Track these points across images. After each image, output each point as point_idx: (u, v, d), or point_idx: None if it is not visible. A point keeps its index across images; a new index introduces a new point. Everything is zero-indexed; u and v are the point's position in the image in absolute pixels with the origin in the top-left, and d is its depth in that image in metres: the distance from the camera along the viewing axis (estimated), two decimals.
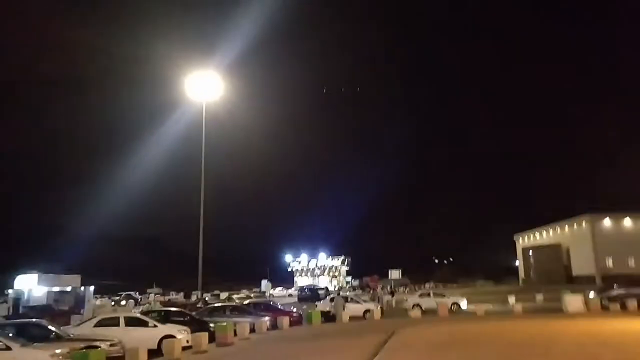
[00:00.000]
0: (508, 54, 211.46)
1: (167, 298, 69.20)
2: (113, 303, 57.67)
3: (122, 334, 18.83)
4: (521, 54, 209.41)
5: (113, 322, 20.21)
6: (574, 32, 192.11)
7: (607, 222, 73.53)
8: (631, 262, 69.21)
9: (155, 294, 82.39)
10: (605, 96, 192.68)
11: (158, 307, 38.92)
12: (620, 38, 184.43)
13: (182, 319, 23.00)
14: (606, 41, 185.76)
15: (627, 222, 73.27)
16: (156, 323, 20.42)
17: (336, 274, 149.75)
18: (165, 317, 22.67)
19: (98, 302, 49.20)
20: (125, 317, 20.64)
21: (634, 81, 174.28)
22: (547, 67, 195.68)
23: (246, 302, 36.23)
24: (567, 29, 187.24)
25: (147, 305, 53.38)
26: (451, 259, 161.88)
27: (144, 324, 20.29)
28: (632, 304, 29.82)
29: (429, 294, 39.71)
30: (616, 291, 34.37)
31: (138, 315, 22.45)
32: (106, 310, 39.72)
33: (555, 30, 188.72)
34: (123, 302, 60.48)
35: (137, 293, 77.98)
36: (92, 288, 42.29)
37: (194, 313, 26.19)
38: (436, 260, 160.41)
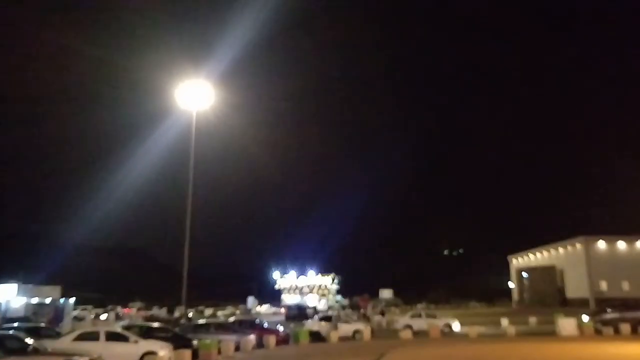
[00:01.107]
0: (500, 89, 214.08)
1: (149, 313, 68.43)
2: (93, 316, 56.92)
3: (102, 349, 18.57)
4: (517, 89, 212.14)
5: (93, 336, 19.96)
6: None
7: (601, 244, 74.06)
8: (625, 286, 69.63)
9: (138, 308, 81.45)
10: (603, 117, 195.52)
11: (140, 321, 38.44)
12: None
13: (164, 335, 22.75)
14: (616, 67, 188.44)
15: (621, 245, 73.85)
16: (137, 338, 20.20)
17: (325, 292, 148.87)
18: (147, 333, 22.42)
19: (78, 314, 48.51)
20: (105, 332, 20.40)
21: (631, 100, 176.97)
22: (536, 91, 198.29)
23: (231, 319, 35.93)
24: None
25: (129, 319, 52.73)
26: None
27: (124, 339, 20.06)
28: (625, 328, 29.94)
29: (420, 315, 39.59)
30: (610, 315, 34.50)
31: (119, 330, 22.19)
32: (86, 324, 39.19)
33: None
34: (104, 316, 59.70)
35: (119, 307, 77.03)
36: (72, 300, 41.77)
37: (177, 329, 25.93)
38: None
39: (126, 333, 20.83)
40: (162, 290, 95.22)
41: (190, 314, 49.12)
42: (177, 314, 56.25)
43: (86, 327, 28.47)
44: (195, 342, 21.85)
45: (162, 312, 71.80)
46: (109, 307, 74.65)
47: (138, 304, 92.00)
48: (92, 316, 56.78)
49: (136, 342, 19.84)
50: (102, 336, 19.83)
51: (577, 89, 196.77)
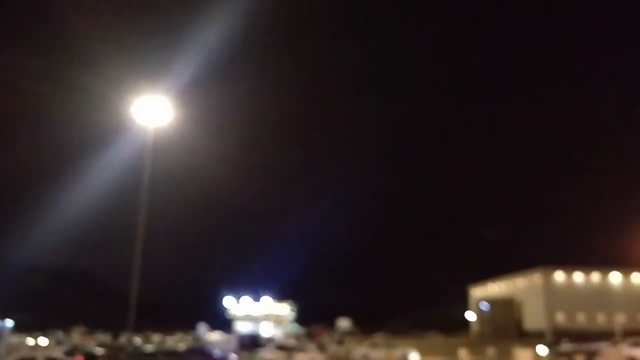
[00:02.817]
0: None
1: (92, 338, 66.21)
2: (33, 342, 54.65)
3: None
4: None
5: None
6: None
7: (559, 276, 76.40)
8: (581, 318, 71.96)
9: (81, 333, 78.64)
10: (562, 151, 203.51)
11: (82, 347, 37.24)
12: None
13: None
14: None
15: (578, 276, 76.41)
16: None
17: (281, 320, 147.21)
18: (90, 359, 21.81)
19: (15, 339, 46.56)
20: (44, 357, 19.75)
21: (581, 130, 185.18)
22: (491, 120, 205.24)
23: (181, 346, 35.24)
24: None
25: (71, 344, 50.88)
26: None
27: None
28: (579, 359, 30.93)
29: (377, 345, 39.75)
30: (565, 346, 35.64)
31: (59, 355, 21.50)
32: (24, 349, 37.62)
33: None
34: (43, 341, 57.41)
35: (60, 331, 74.22)
36: (9, 323, 40.14)
37: (122, 357, 25.31)
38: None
39: (67, 358, 20.21)
40: (108, 315, 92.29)
41: (137, 341, 47.81)
42: (122, 340, 54.64)
43: (24, 352, 27.39)
44: None
45: (106, 337, 69.62)
46: (49, 331, 71.86)
47: (81, 329, 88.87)
48: (32, 341, 54.55)
49: None
50: None
51: (532, 118, 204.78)
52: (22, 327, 63.81)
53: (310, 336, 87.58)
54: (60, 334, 72.07)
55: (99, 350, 26.33)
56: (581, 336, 38.39)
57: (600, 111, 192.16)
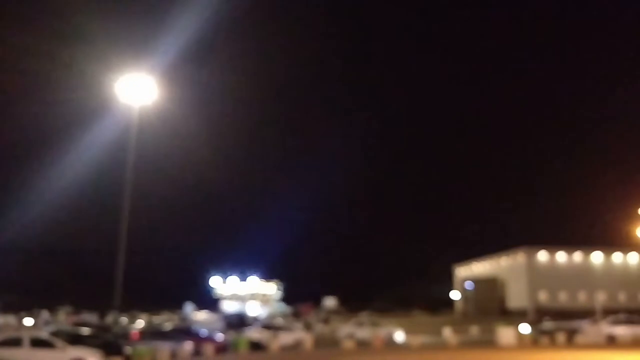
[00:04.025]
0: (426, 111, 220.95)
1: (79, 317, 66.08)
2: (19, 321, 54.52)
3: (26, 355, 17.94)
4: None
5: (16, 342, 19.17)
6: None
7: (542, 256, 77.54)
8: (562, 297, 73.32)
9: (67, 313, 78.41)
10: (547, 129, 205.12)
11: (69, 327, 37.15)
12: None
13: (94, 341, 22.11)
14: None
15: (561, 256, 77.62)
16: (65, 345, 19.55)
17: (267, 299, 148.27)
18: (75, 339, 21.74)
19: (1, 320, 46.28)
20: (29, 338, 19.62)
21: (572, 112, 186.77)
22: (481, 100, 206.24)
23: (167, 326, 35.29)
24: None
25: (57, 325, 50.78)
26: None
27: (50, 345, 19.36)
28: (561, 337, 31.55)
29: (363, 324, 40.14)
30: (547, 325, 36.38)
31: (44, 336, 21.39)
32: (9, 329, 37.48)
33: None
34: (29, 321, 57.23)
35: (46, 311, 73.98)
36: None
37: (109, 336, 25.26)
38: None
39: (52, 339, 20.13)
40: (94, 295, 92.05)
41: (124, 321, 47.78)
42: (109, 320, 54.55)
43: (9, 333, 27.28)
44: (128, 349, 21.36)
45: (93, 317, 69.54)
46: (35, 311, 71.57)
47: (67, 309, 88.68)
48: (19, 321, 54.43)
49: (63, 348, 19.21)
50: (26, 342, 19.08)
51: (522, 98, 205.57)
52: (7, 308, 63.52)
53: (296, 315, 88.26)
54: (46, 314, 71.84)
55: (85, 330, 26.23)
56: (562, 314, 39.13)
57: (580, 93, 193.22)
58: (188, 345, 25.31)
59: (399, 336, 37.45)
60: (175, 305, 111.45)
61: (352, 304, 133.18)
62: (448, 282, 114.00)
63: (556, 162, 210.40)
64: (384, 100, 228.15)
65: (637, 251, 76.09)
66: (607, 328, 32.46)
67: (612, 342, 31.13)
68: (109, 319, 56.56)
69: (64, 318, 66.59)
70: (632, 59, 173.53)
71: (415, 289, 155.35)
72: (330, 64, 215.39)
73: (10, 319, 52.43)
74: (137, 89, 35.96)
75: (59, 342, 19.62)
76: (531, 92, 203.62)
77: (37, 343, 19.36)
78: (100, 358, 19.36)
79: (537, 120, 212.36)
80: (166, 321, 55.87)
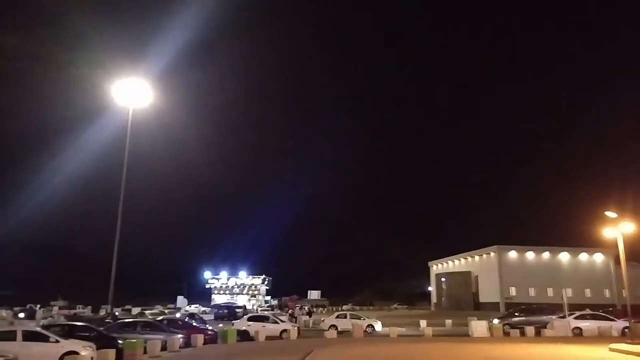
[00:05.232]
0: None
1: (72, 311, 64.90)
2: (12, 315, 53.32)
3: (19, 349, 17.39)
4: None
5: (9, 336, 18.59)
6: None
7: (512, 254, 78.21)
8: (532, 292, 73.95)
9: (60, 307, 76.97)
10: (517, 138, 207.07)
11: (62, 320, 36.44)
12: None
13: (87, 334, 21.57)
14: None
15: (530, 255, 78.35)
16: (58, 338, 19.01)
17: (255, 292, 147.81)
18: (69, 332, 21.21)
19: None
20: (23, 331, 19.05)
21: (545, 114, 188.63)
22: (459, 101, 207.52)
23: (159, 318, 34.76)
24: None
25: (50, 318, 49.81)
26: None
27: (44, 338, 18.81)
28: (530, 330, 31.71)
29: (345, 316, 40.05)
30: (517, 318, 36.57)
31: (38, 329, 20.84)
32: (3, 323, 36.63)
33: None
34: (21, 315, 56.08)
35: (38, 306, 72.44)
36: None
37: (102, 328, 24.73)
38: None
39: (45, 332, 19.59)
40: (88, 289, 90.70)
41: (117, 313, 47.01)
42: (102, 312, 53.70)
43: (2, 326, 26.62)
44: (120, 342, 20.90)
45: (86, 310, 68.37)
46: (28, 306, 70.10)
47: (61, 303, 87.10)
48: (13, 315, 53.28)
49: (57, 341, 18.69)
50: (19, 335, 18.52)
51: (493, 101, 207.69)
52: (1, 302, 62.20)
53: (282, 308, 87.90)
54: (39, 309, 70.40)
55: (79, 323, 25.66)
56: (531, 309, 39.38)
57: (555, 95, 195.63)
58: (179, 337, 24.92)
59: (379, 327, 37.45)
60: (168, 297, 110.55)
61: (335, 298, 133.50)
62: (425, 278, 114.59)
63: (528, 168, 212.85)
64: (371, 106, 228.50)
65: (602, 251, 77.04)
66: (574, 322, 32.72)
67: (578, 336, 31.40)
68: (102, 312, 55.72)
69: (57, 312, 65.34)
70: (585, 67, 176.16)
71: (394, 284, 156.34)
72: (322, 69, 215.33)
73: (4, 312, 51.25)
74: (133, 92, 35.42)
75: (52, 336, 19.10)
76: (501, 104, 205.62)
77: (30, 336, 18.81)
78: (93, 350, 18.89)
79: (507, 130, 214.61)
80: (158, 314, 55.13)
